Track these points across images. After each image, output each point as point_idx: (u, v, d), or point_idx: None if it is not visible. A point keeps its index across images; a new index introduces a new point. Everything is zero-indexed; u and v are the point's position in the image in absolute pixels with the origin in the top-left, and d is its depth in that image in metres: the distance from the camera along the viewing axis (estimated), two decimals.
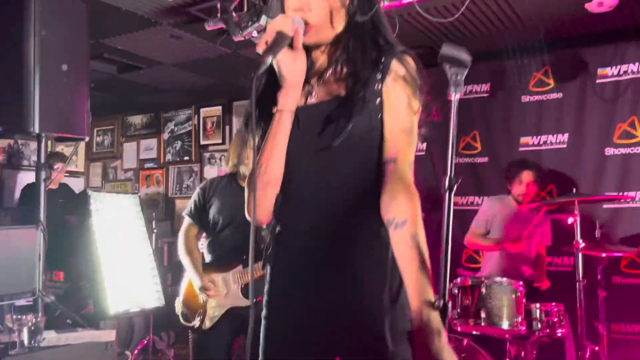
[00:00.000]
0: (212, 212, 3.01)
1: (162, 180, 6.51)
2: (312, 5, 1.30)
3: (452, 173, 1.27)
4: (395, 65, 1.33)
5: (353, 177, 1.32)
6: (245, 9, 3.51)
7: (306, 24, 1.29)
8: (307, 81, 1.35)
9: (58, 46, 2.61)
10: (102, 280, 3.23)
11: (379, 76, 1.31)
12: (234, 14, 3.47)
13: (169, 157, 6.51)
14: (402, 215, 1.24)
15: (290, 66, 1.27)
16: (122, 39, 4.20)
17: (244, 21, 3.30)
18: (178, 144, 6.46)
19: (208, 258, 3.03)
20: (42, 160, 2.69)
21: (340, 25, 1.35)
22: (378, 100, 1.30)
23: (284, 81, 1.28)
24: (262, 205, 1.37)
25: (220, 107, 6.16)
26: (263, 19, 3.22)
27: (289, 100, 1.29)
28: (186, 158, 6.36)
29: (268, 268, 1.42)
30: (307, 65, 1.32)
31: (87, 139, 2.76)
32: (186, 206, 3.12)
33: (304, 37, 1.29)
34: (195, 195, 3.12)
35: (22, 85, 2.46)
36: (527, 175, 3.90)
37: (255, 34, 3.29)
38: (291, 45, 1.27)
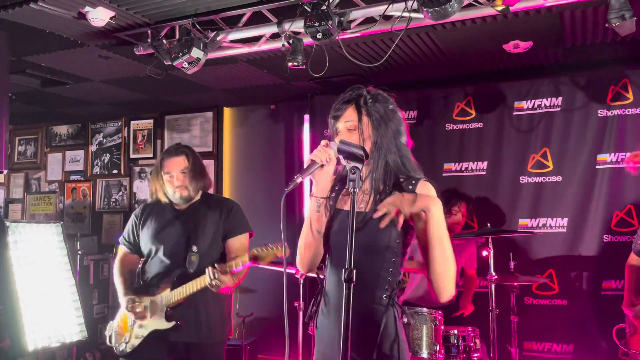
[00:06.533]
0: (145, 239, 3.02)
1: (89, 194, 6.31)
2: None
3: (352, 264, 1.34)
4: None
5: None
6: (177, 36, 3.49)
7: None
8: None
9: None
10: (20, 315, 3.11)
11: None
12: (164, 41, 3.45)
13: (96, 169, 6.31)
14: None
15: (317, 177, 1.81)
16: (47, 56, 4.05)
17: (175, 51, 3.28)
18: (107, 157, 6.28)
19: (141, 283, 3.02)
20: None
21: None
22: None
23: (315, 182, 1.83)
24: (301, 260, 1.90)
25: (151, 121, 6.05)
26: (194, 51, 3.22)
27: (317, 191, 1.84)
28: (115, 171, 6.19)
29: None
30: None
31: (5, 172, 2.66)
32: (115, 221, 3.11)
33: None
34: (130, 222, 3.14)
35: None
36: (464, 206, 4.14)
37: (185, 64, 3.28)
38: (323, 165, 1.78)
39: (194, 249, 2.87)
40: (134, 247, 3.08)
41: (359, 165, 1.37)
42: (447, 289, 1.70)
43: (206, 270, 2.68)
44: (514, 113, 4.44)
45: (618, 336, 3.29)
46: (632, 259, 3.28)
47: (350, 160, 1.39)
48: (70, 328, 3.46)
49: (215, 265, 2.67)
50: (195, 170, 2.99)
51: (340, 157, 1.75)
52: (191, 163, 2.98)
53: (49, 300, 3.41)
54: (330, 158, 1.76)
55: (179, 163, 2.96)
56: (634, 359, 3.13)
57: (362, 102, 1.86)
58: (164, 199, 3.03)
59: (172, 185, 2.94)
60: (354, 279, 1.49)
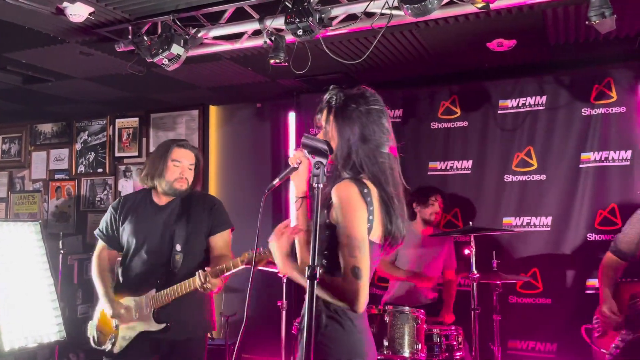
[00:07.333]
0: (125, 234, 2.98)
1: (74, 193, 6.24)
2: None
3: (315, 261, 1.33)
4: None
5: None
6: (159, 31, 3.45)
7: None
8: None
9: None
10: None
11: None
12: (145, 38, 3.41)
13: (81, 168, 6.25)
14: None
15: (293, 178, 1.90)
16: (27, 53, 3.99)
17: (155, 47, 3.25)
18: (91, 155, 6.22)
19: (121, 280, 2.98)
20: None
21: None
22: None
23: (293, 183, 1.92)
24: None
25: (137, 119, 5.99)
26: (174, 48, 3.18)
27: (296, 191, 1.92)
28: (100, 170, 6.14)
29: None
30: None
31: None
32: (99, 221, 3.08)
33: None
34: (107, 215, 3.08)
35: None
36: (439, 198, 4.15)
37: (166, 61, 3.24)
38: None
39: (178, 247, 2.84)
40: (113, 241, 3.03)
41: (323, 160, 1.37)
42: None
43: (197, 273, 2.67)
44: (499, 112, 4.44)
45: (587, 335, 3.33)
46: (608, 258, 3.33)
47: (315, 154, 1.39)
48: (48, 328, 3.41)
49: (206, 268, 2.66)
50: (197, 172, 3.02)
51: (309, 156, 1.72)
52: (198, 164, 3.03)
53: (26, 299, 3.36)
54: (300, 160, 1.83)
55: (190, 156, 2.99)
56: (600, 357, 3.15)
57: (332, 102, 1.86)
58: (150, 184, 2.99)
59: (175, 174, 2.92)
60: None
